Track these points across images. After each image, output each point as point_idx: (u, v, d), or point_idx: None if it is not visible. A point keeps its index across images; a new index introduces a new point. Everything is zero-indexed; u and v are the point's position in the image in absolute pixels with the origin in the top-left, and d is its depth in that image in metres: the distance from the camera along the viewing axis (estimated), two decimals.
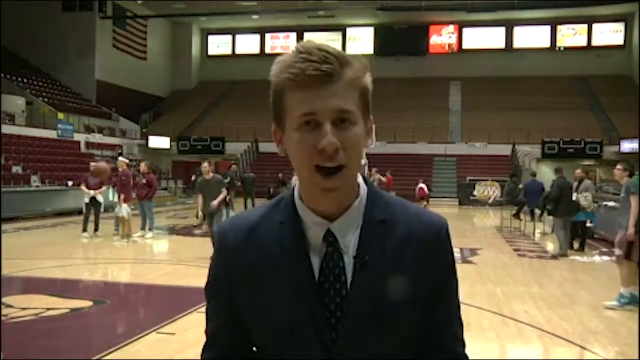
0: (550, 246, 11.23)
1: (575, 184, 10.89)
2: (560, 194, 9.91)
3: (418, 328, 1.00)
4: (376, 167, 19.44)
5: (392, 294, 0.96)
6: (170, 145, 31.10)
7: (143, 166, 12.04)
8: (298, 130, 0.92)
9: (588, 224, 11.34)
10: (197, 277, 7.50)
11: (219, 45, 41.14)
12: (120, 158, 12.50)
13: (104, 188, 11.95)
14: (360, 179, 1.01)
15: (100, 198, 11.80)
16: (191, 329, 5.02)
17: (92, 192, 11.65)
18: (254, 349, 1.06)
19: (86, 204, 11.78)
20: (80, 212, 15.37)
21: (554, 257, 9.99)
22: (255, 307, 1.00)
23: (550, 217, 11.28)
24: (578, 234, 10.97)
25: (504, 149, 28.17)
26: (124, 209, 11.16)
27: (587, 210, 10.72)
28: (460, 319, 1.07)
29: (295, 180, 1.04)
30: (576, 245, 10.82)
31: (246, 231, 1.02)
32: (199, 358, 1.12)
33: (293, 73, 0.90)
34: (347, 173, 0.92)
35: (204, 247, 11.10)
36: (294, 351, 0.97)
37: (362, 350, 0.96)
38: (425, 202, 19.73)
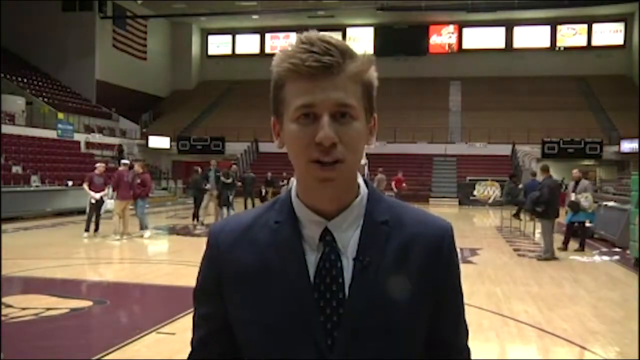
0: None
1: (572, 184, 10.82)
2: (552, 196, 9.45)
3: (421, 335, 0.96)
4: (381, 167, 19.48)
5: (394, 299, 0.91)
6: (170, 145, 31.09)
7: (137, 166, 12.14)
8: (296, 122, 0.89)
9: (587, 224, 11.31)
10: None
11: (219, 45, 41.15)
12: (122, 160, 12.68)
13: (106, 189, 12.00)
14: (360, 180, 0.97)
15: (105, 198, 11.86)
16: (191, 329, 5.02)
17: (98, 194, 11.64)
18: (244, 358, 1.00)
19: (91, 204, 11.77)
20: (80, 212, 15.40)
21: (540, 258, 9.63)
22: (248, 310, 0.94)
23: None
24: (578, 234, 10.96)
25: (504, 149, 28.17)
26: (103, 206, 11.58)
27: (588, 210, 10.67)
28: (465, 324, 1.05)
29: (293, 181, 1.02)
30: (576, 245, 10.79)
31: (239, 231, 0.98)
32: None
33: (293, 63, 0.87)
34: (344, 167, 0.88)
35: (204, 247, 11.11)
36: (287, 358, 0.91)
37: (360, 358, 0.91)
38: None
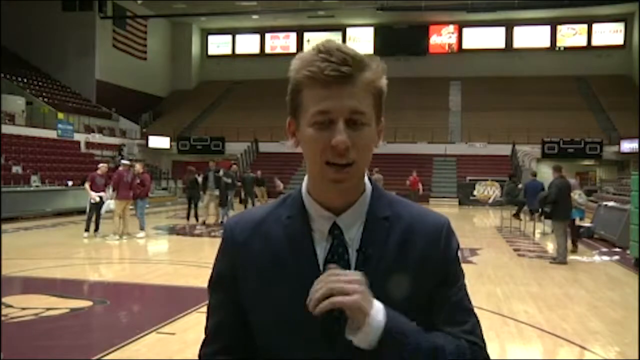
0: (550, 246, 11.21)
1: None
2: (560, 196, 9.22)
3: (421, 324, 0.98)
4: (377, 167, 19.43)
5: (393, 288, 0.97)
6: (170, 145, 31.09)
7: (138, 166, 12.23)
8: (312, 126, 0.95)
9: (578, 222, 11.23)
10: (197, 277, 7.51)
11: (219, 45, 41.14)
12: (122, 161, 12.72)
13: (107, 190, 12.03)
14: (365, 178, 1.04)
15: (105, 198, 11.88)
16: (191, 329, 5.02)
17: (98, 194, 11.63)
18: (256, 346, 1.06)
19: (92, 204, 11.75)
20: (80, 212, 15.39)
21: (553, 261, 9.38)
22: (261, 299, 1.01)
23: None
24: (576, 234, 10.84)
25: (504, 149, 28.16)
26: (105, 206, 11.64)
27: (581, 208, 10.65)
28: (474, 315, 1.04)
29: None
30: (570, 245, 10.68)
31: (253, 226, 1.05)
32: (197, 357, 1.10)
33: (312, 71, 0.94)
34: (356, 169, 0.96)
35: (204, 247, 11.12)
36: (298, 343, 0.98)
37: None
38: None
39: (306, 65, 0.95)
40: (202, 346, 1.10)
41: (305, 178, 1.05)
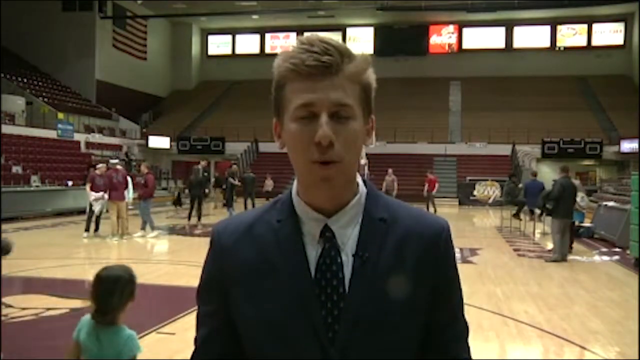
0: (550, 246, 11.21)
1: None
2: (563, 194, 9.24)
3: (419, 329, 0.98)
4: (391, 168, 19.30)
5: (392, 293, 0.94)
6: (170, 145, 31.08)
7: (142, 167, 12.28)
8: (296, 121, 0.91)
9: (577, 224, 11.22)
10: (197, 277, 7.45)
11: (219, 45, 41.14)
12: (111, 161, 12.70)
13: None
14: (359, 179, 0.99)
15: (106, 198, 11.88)
16: (191, 329, 4.97)
17: (98, 194, 11.59)
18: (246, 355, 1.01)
19: (92, 204, 11.72)
20: (80, 212, 15.39)
21: (548, 259, 9.43)
22: (251, 306, 0.96)
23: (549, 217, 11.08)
24: (573, 235, 10.82)
25: (504, 149, 28.14)
26: (97, 210, 11.59)
27: (582, 210, 10.62)
28: (465, 322, 1.05)
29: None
30: (578, 247, 10.68)
31: (242, 230, 1.01)
32: None
33: (293, 63, 0.90)
34: (342, 167, 0.91)
35: (204, 247, 11.11)
36: (290, 351, 0.94)
37: (361, 351, 0.93)
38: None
39: (288, 58, 0.91)
40: (191, 358, 1.06)
41: (295, 181, 1.00)
